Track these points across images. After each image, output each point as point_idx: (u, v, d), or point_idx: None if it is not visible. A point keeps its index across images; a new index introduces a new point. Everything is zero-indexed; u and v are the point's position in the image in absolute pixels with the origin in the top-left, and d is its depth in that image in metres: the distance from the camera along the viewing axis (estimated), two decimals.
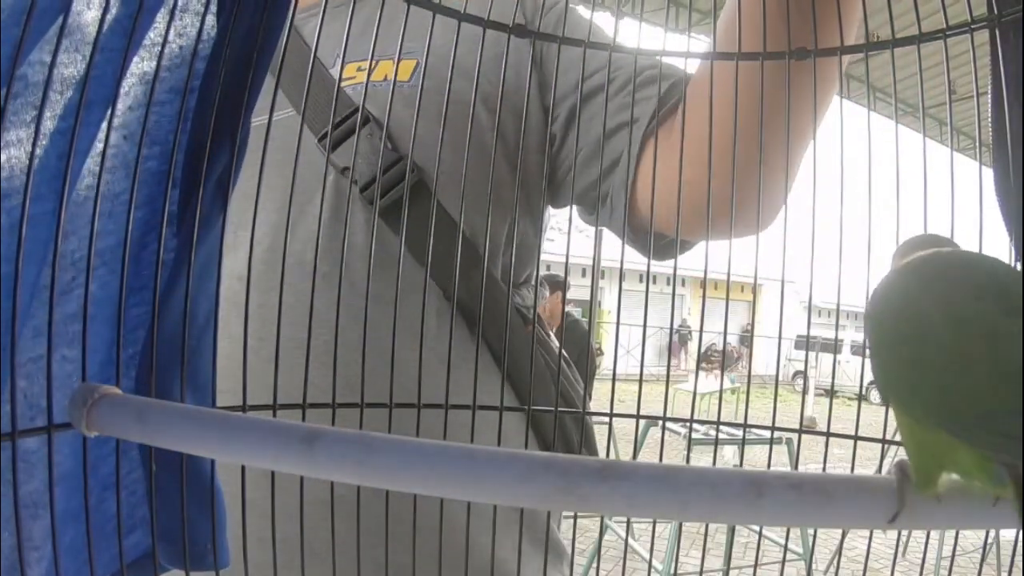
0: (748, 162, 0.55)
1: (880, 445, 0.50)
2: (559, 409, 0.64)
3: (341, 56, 0.59)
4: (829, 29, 0.54)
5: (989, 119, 0.47)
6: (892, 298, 0.29)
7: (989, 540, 2.17)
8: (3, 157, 0.34)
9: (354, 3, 0.51)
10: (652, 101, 0.69)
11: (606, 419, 0.55)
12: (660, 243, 0.71)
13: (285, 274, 0.49)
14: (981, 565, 0.50)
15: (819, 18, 0.53)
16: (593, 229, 0.76)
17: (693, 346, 17.48)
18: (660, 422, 0.54)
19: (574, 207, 0.77)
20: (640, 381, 0.54)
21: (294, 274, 0.54)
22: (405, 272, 0.61)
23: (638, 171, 0.69)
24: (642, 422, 0.54)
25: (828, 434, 0.50)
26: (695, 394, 0.55)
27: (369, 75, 0.54)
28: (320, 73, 0.70)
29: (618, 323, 0.59)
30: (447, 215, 0.66)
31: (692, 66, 0.68)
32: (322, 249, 0.52)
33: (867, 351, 0.29)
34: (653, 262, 0.64)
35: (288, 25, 0.45)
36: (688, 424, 0.54)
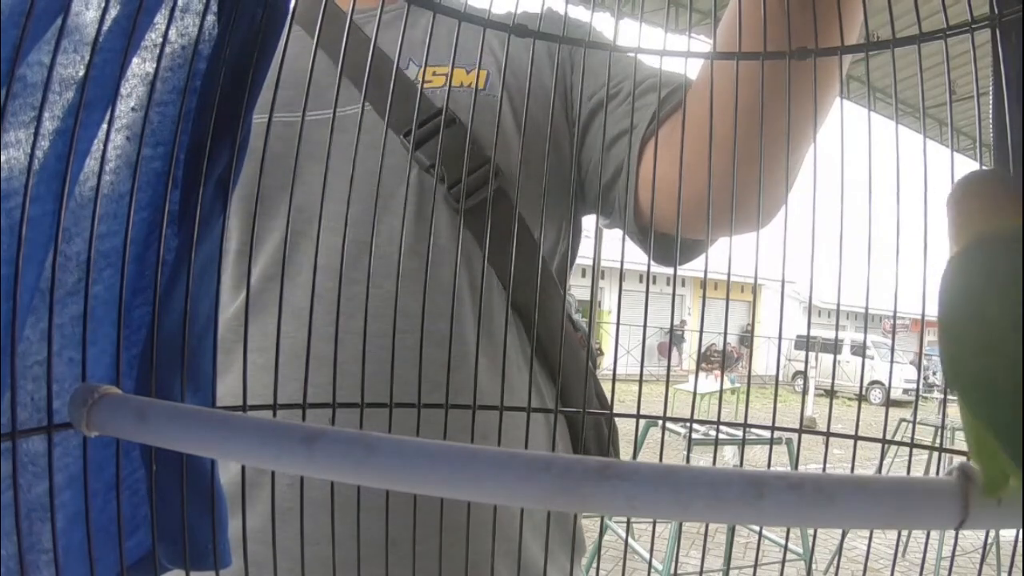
0: (748, 160, 0.55)
1: (880, 445, 0.50)
2: (559, 409, 0.64)
3: (421, 61, 0.66)
4: (830, 29, 0.54)
5: (990, 119, 0.47)
6: (962, 302, 0.28)
7: (989, 540, 2.17)
8: (2, 158, 0.34)
9: (408, 9, 0.51)
10: (652, 107, 0.70)
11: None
12: (668, 245, 0.72)
13: (371, 269, 0.51)
14: (981, 565, 0.50)
15: (820, 18, 0.53)
16: (593, 230, 0.76)
17: (686, 347, 17.47)
18: (660, 422, 0.54)
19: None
20: (640, 381, 0.54)
21: (378, 270, 0.55)
22: (478, 272, 0.64)
23: (639, 173, 0.70)
24: (642, 422, 0.54)
25: (828, 434, 0.50)
26: (695, 394, 0.55)
27: (450, 80, 0.56)
28: (398, 74, 0.71)
29: (618, 323, 0.59)
30: (522, 219, 0.69)
31: (694, 70, 0.69)
32: (407, 246, 0.53)
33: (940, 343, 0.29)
34: (653, 263, 0.64)
35: (288, 25, 0.45)
36: (688, 424, 0.54)
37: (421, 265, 0.56)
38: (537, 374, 0.73)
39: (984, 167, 0.46)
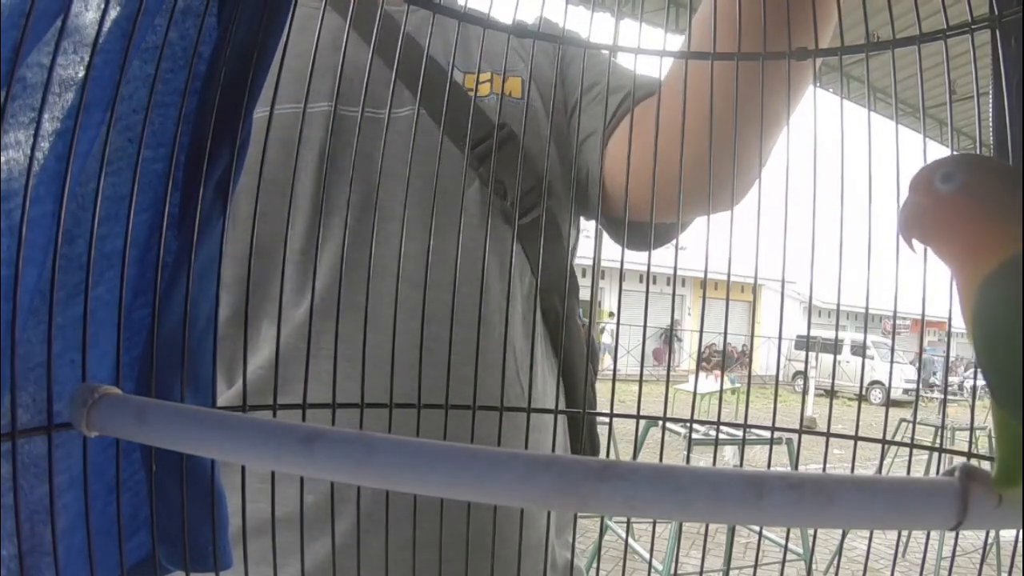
0: (721, 146, 0.55)
1: (880, 445, 0.50)
2: (558, 410, 0.64)
3: (461, 65, 0.68)
4: (805, 24, 0.55)
5: (990, 119, 0.47)
6: (1002, 319, 0.28)
7: (989, 540, 2.17)
8: (2, 159, 0.34)
9: (434, 17, 0.52)
10: (621, 95, 0.72)
11: (606, 419, 0.55)
12: (637, 231, 0.72)
13: (430, 273, 0.52)
14: (981, 565, 0.50)
15: (792, 16, 0.53)
16: (593, 229, 0.77)
17: (685, 346, 17.46)
18: (660, 422, 0.54)
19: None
20: (640, 381, 0.54)
21: (443, 277, 0.56)
22: (529, 285, 0.65)
23: (603, 165, 0.72)
24: (642, 422, 0.54)
25: (828, 434, 0.50)
26: (695, 394, 0.55)
27: (503, 88, 0.58)
28: (451, 83, 0.71)
29: (618, 323, 0.59)
30: (559, 228, 0.71)
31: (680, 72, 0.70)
32: (464, 253, 0.54)
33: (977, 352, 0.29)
34: (654, 262, 0.64)
35: (288, 26, 0.45)
36: (688, 424, 0.54)
37: (475, 274, 0.58)
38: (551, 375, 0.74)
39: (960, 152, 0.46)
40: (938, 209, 0.32)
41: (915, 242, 0.34)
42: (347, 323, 0.53)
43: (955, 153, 0.35)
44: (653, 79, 0.73)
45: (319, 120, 0.66)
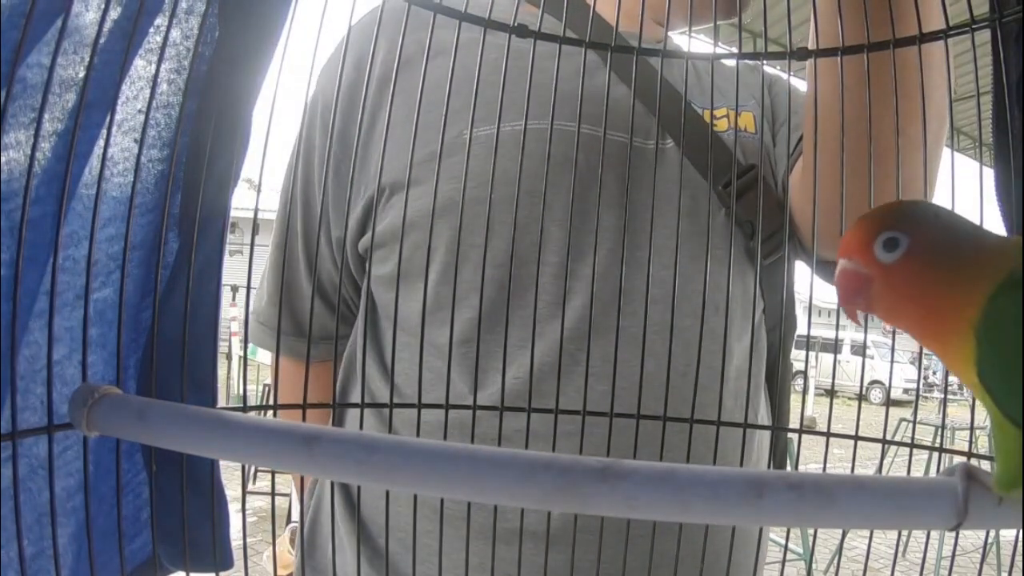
0: (857, 164, 0.53)
1: (880, 445, 0.50)
2: (552, 410, 0.64)
3: (695, 100, 0.70)
4: (908, 18, 0.52)
5: (990, 119, 0.47)
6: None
7: (989, 540, 2.17)
8: (2, 159, 0.33)
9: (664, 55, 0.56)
10: (799, 133, 0.72)
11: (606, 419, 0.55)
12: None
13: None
14: (981, 565, 0.50)
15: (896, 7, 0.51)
16: None
17: None
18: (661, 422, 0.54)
19: None
20: (640, 381, 0.54)
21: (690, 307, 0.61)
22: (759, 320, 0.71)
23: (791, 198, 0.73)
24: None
25: (828, 434, 0.50)
26: (695, 394, 0.55)
27: (737, 124, 0.61)
28: (702, 122, 0.71)
29: (618, 324, 0.59)
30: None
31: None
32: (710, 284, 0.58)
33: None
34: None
35: (288, 26, 0.45)
36: (688, 424, 0.54)
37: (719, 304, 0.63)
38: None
39: (983, 167, 0.46)
40: (887, 281, 0.31)
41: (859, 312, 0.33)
42: (598, 342, 0.59)
43: (882, 207, 0.33)
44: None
45: (569, 139, 0.62)
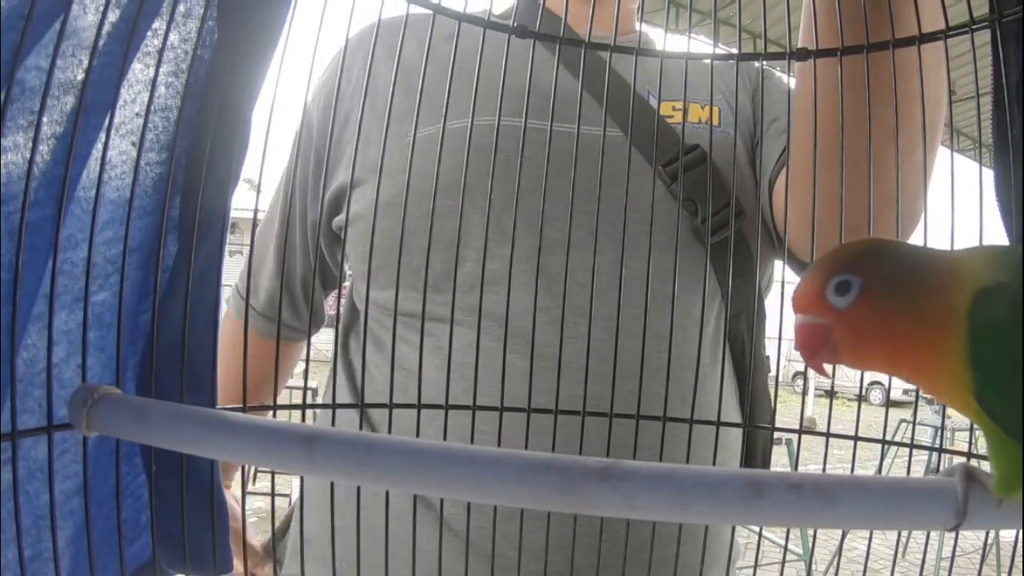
0: (859, 157, 0.53)
1: (880, 446, 0.50)
2: (551, 411, 0.64)
3: (656, 93, 0.69)
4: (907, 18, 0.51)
5: (990, 120, 0.47)
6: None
7: (989, 540, 2.17)
8: (1, 162, 0.33)
9: (639, 48, 0.56)
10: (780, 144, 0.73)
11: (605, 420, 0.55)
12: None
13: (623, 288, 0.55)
14: (981, 565, 0.50)
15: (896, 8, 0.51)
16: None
17: None
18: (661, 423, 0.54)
19: None
20: (640, 381, 0.54)
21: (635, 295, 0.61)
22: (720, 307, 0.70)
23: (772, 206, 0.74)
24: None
25: (828, 435, 0.50)
26: (695, 394, 0.55)
27: (688, 117, 0.61)
28: (647, 108, 0.73)
29: (618, 324, 0.59)
30: (751, 255, 0.72)
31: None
32: (655, 269, 0.56)
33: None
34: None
35: (288, 26, 0.45)
36: (689, 424, 0.54)
37: (665, 290, 0.62)
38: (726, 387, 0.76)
39: (983, 167, 0.46)
40: (847, 326, 0.30)
41: (825, 364, 0.32)
42: (541, 328, 0.57)
43: (826, 255, 0.32)
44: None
45: (507, 132, 0.61)
